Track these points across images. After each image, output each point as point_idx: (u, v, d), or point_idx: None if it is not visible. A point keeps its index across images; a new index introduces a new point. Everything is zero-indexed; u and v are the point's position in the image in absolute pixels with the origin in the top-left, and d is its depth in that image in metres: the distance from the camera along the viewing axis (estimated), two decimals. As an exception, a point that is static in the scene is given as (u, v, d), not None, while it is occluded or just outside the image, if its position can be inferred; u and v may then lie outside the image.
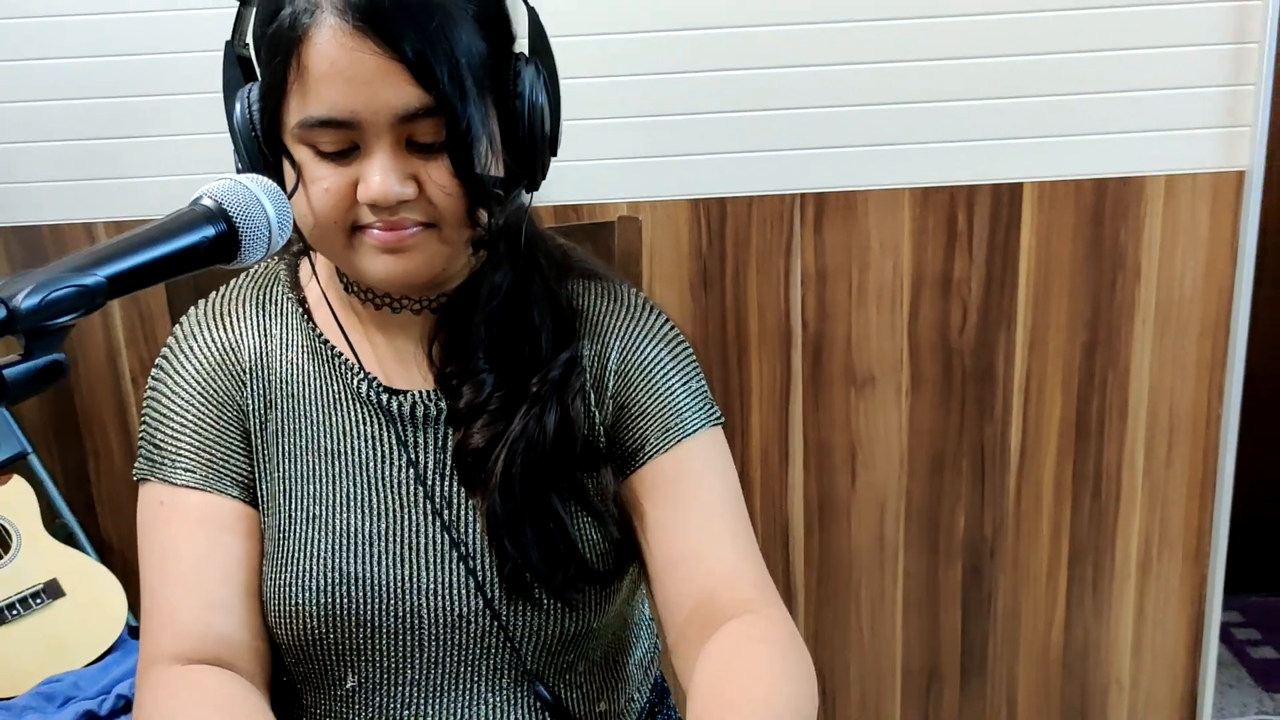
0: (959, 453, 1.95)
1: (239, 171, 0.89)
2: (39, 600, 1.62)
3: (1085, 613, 2.02)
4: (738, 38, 1.78)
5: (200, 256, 0.72)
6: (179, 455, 0.95)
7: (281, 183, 0.88)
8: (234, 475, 0.96)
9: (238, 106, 0.89)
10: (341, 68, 0.81)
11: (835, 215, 1.85)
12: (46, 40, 1.77)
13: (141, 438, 0.96)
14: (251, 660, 0.94)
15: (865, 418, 1.94)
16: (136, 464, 0.96)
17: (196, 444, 0.95)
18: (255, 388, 0.97)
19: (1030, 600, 2.01)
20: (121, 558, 1.86)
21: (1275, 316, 2.56)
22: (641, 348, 1.00)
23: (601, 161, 1.81)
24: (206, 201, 0.73)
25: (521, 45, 0.91)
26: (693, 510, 0.98)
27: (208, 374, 0.96)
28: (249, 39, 0.90)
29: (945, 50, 1.80)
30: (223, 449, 0.96)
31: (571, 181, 1.78)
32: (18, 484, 1.71)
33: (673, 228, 1.84)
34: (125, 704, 1.57)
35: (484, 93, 0.86)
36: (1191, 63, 1.79)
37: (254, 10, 0.88)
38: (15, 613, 1.59)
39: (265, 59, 0.87)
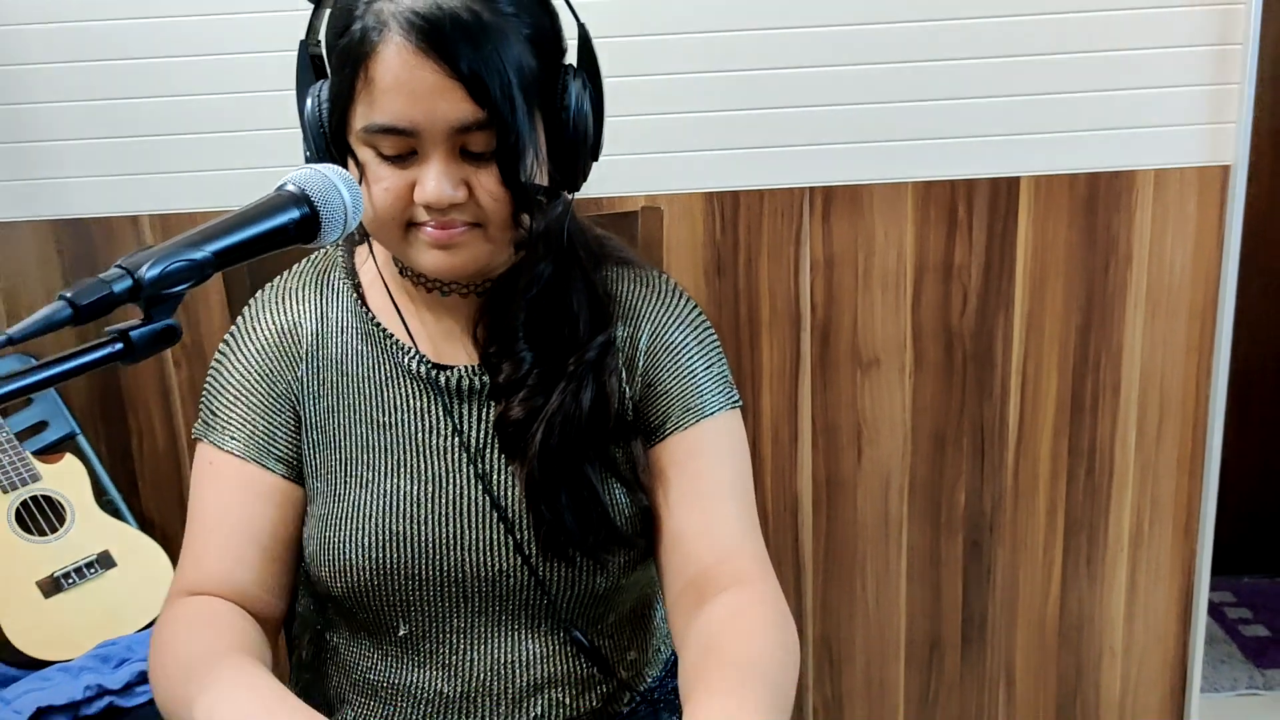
0: (960, 431, 2.00)
1: (307, 160, 0.95)
2: (93, 570, 1.71)
3: (1080, 584, 2.06)
4: (750, 40, 1.83)
5: (288, 236, 0.78)
6: (229, 425, 1.02)
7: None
8: (276, 452, 1.03)
9: (309, 102, 0.95)
10: (404, 82, 0.88)
11: (842, 207, 1.90)
12: (94, 45, 1.83)
13: (202, 402, 1.04)
14: (262, 610, 1.02)
15: (870, 397, 1.98)
16: (195, 424, 1.04)
17: (246, 418, 1.03)
18: (311, 366, 1.04)
19: (1027, 572, 2.06)
20: (161, 532, 1.92)
21: (1259, 301, 2.60)
22: (670, 331, 1.06)
23: (622, 156, 1.83)
24: (291, 188, 0.79)
25: (571, 57, 0.97)
26: (702, 487, 1.03)
27: (266, 356, 1.04)
28: (321, 38, 0.96)
29: (946, 52, 1.84)
30: (269, 426, 1.03)
31: (594, 175, 1.84)
32: (70, 462, 1.80)
33: (689, 218, 1.89)
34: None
35: (533, 106, 0.92)
36: (1179, 63, 1.83)
37: (326, 13, 0.95)
38: (71, 581, 1.68)
39: (335, 65, 0.93)
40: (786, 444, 2.01)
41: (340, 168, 0.83)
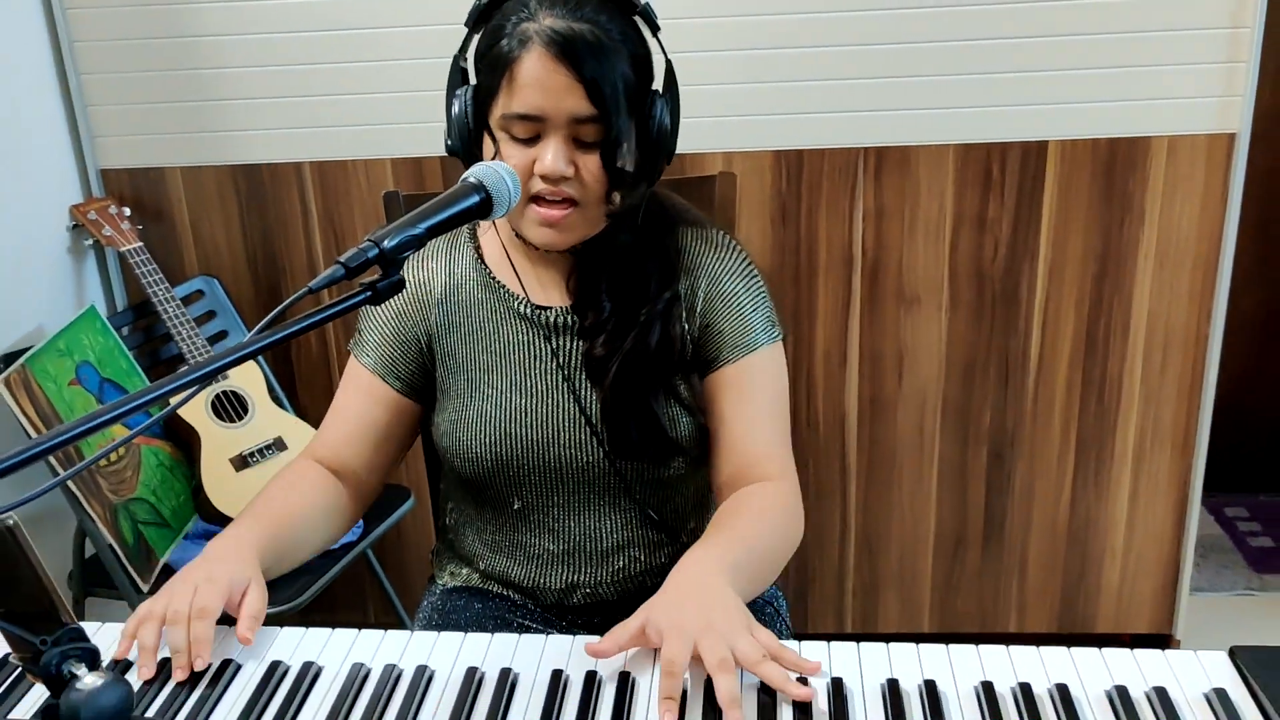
0: (988, 361, 2.16)
1: (448, 146, 1.16)
2: (269, 451, 2.06)
3: (1088, 493, 2.23)
4: (815, 22, 1.98)
5: (472, 213, 1.00)
6: (368, 346, 1.27)
7: (480, 154, 1.14)
8: (399, 373, 1.26)
9: (455, 103, 1.14)
10: (540, 80, 1.07)
11: (892, 166, 2.05)
12: (266, 20, 2.06)
13: (357, 326, 1.29)
14: (358, 482, 1.27)
15: (911, 331, 2.15)
16: (350, 340, 1.29)
17: (381, 344, 1.26)
18: (443, 310, 1.25)
19: (1042, 482, 2.23)
20: (315, 421, 2.11)
21: (1255, 254, 2.74)
22: (723, 280, 1.22)
23: (707, 119, 2.02)
24: (472, 179, 1.00)
25: (658, 84, 1.15)
26: (744, 407, 1.21)
27: (404, 301, 1.26)
28: (470, 54, 1.15)
29: (984, 31, 1.96)
30: (396, 353, 1.26)
31: (681, 135, 1.98)
32: (248, 364, 2.10)
33: (758, 174, 2.07)
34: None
35: (631, 111, 1.10)
36: (1193, 42, 1.93)
37: (477, 36, 1.14)
38: (255, 459, 2.04)
39: (485, 67, 1.11)
40: (837, 369, 2.19)
41: (505, 164, 1.04)
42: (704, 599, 1.00)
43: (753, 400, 1.22)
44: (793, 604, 2.36)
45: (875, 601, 2.36)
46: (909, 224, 2.10)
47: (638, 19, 1.14)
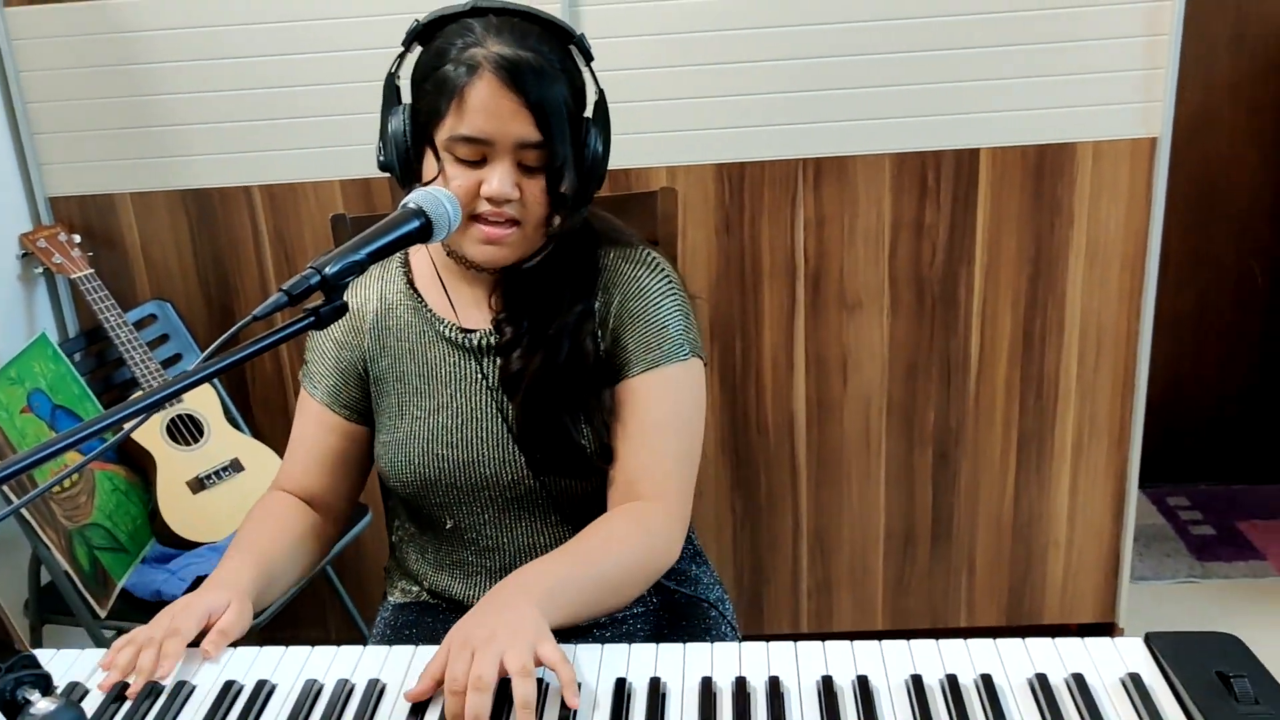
0: (929, 361, 2.20)
1: (380, 162, 1.18)
2: (226, 472, 2.07)
3: (1030, 488, 2.28)
4: (753, 38, 2.02)
5: (412, 237, 1.04)
6: (315, 376, 1.31)
7: (419, 171, 1.15)
8: (345, 401, 1.30)
9: (393, 120, 1.15)
10: (489, 105, 1.09)
11: (830, 175, 2.09)
12: (212, 47, 2.07)
13: (305, 356, 1.33)
14: (326, 506, 1.31)
15: (854, 334, 2.19)
16: (301, 370, 1.33)
17: (326, 374, 1.30)
18: (374, 336, 1.28)
19: (987, 478, 2.28)
20: (270, 442, 2.16)
21: (1189, 252, 2.81)
22: (636, 296, 1.22)
23: (650, 135, 2.06)
24: (412, 204, 1.04)
25: (589, 112, 1.18)
26: (637, 422, 1.21)
27: (342, 329, 1.29)
28: (405, 71, 1.17)
29: (917, 45, 2.01)
30: (340, 381, 1.29)
31: (626, 151, 1.92)
32: (203, 387, 2.07)
33: (701, 185, 2.10)
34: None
35: (570, 139, 1.14)
36: (1114, 51, 1.99)
37: (414, 54, 1.16)
38: (212, 481, 2.06)
39: (430, 89, 1.12)
40: (784, 372, 2.22)
41: (445, 190, 1.08)
42: (499, 614, 1.02)
43: (646, 416, 1.21)
44: (749, 605, 2.41)
45: (829, 601, 2.39)
46: (849, 231, 2.14)
47: (573, 48, 1.17)
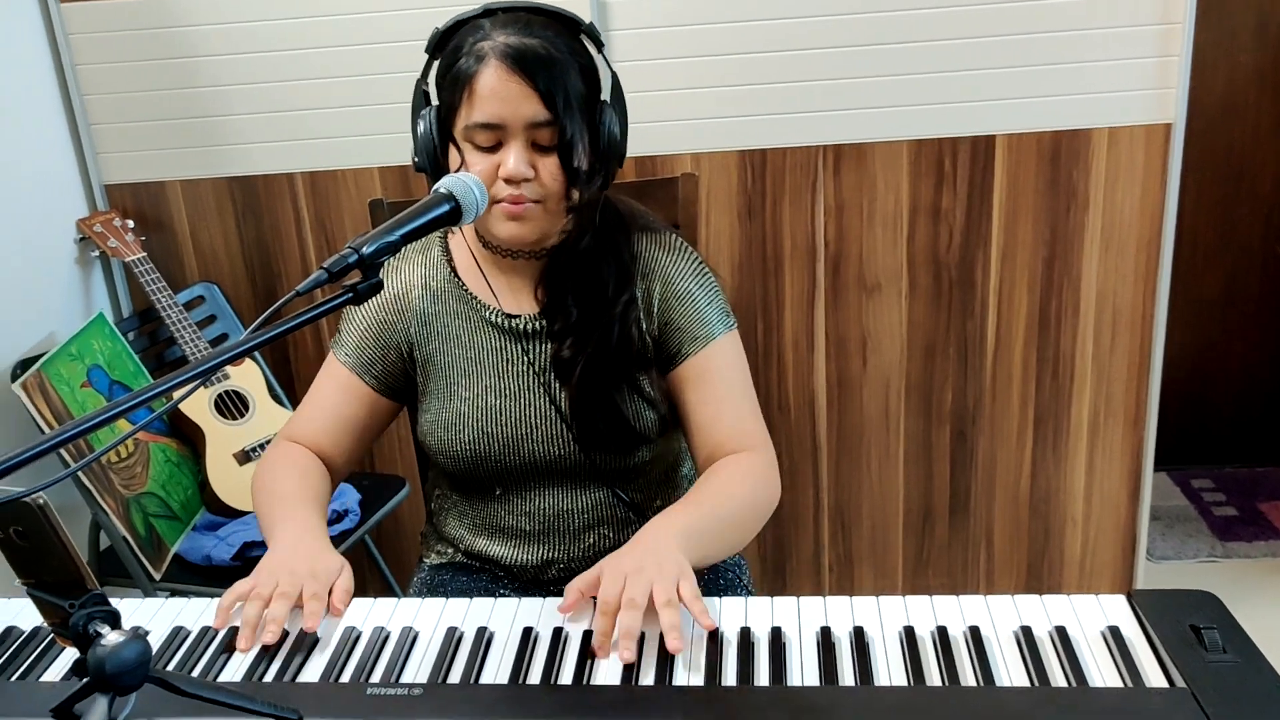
0: (947, 342, 2.23)
1: (414, 162, 1.25)
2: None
3: (1047, 466, 2.30)
4: (776, 28, 2.05)
5: (442, 221, 1.08)
6: (347, 345, 1.35)
7: (447, 167, 1.21)
8: (375, 372, 1.34)
9: (420, 123, 1.22)
10: (498, 91, 1.15)
11: (850, 162, 2.13)
12: (260, 40, 2.15)
13: (338, 326, 1.37)
14: (332, 466, 1.36)
15: (874, 316, 2.22)
16: (333, 339, 1.37)
17: (358, 344, 1.35)
18: (420, 320, 1.33)
19: (1004, 456, 2.30)
20: None
21: (1193, 236, 2.82)
22: (677, 280, 1.30)
23: (676, 122, 2.11)
24: (443, 190, 1.08)
25: (606, 95, 1.22)
26: (710, 393, 1.30)
27: (384, 310, 1.34)
28: (431, 78, 1.23)
29: (935, 33, 2.04)
30: (377, 354, 1.34)
31: (652, 138, 2.05)
32: (248, 365, 2.22)
33: (725, 172, 2.14)
34: (335, 516, 2.12)
35: (583, 118, 1.19)
36: (1129, 38, 2.01)
37: (438, 61, 1.22)
38: (257, 453, 2.15)
39: (447, 85, 1.19)
40: (805, 353, 2.26)
41: (473, 175, 1.13)
42: (646, 551, 1.12)
43: (717, 385, 1.31)
44: (772, 578, 2.46)
45: (850, 575, 2.43)
46: (868, 216, 2.18)
47: (583, 37, 1.24)
